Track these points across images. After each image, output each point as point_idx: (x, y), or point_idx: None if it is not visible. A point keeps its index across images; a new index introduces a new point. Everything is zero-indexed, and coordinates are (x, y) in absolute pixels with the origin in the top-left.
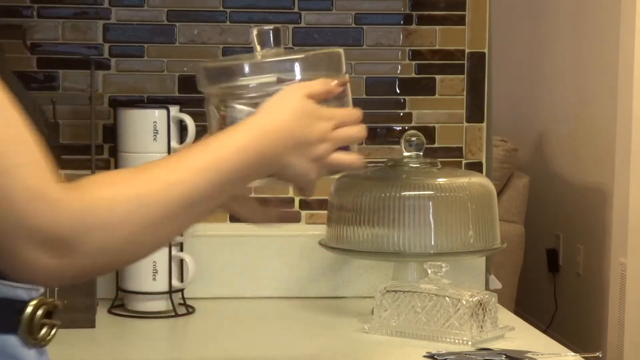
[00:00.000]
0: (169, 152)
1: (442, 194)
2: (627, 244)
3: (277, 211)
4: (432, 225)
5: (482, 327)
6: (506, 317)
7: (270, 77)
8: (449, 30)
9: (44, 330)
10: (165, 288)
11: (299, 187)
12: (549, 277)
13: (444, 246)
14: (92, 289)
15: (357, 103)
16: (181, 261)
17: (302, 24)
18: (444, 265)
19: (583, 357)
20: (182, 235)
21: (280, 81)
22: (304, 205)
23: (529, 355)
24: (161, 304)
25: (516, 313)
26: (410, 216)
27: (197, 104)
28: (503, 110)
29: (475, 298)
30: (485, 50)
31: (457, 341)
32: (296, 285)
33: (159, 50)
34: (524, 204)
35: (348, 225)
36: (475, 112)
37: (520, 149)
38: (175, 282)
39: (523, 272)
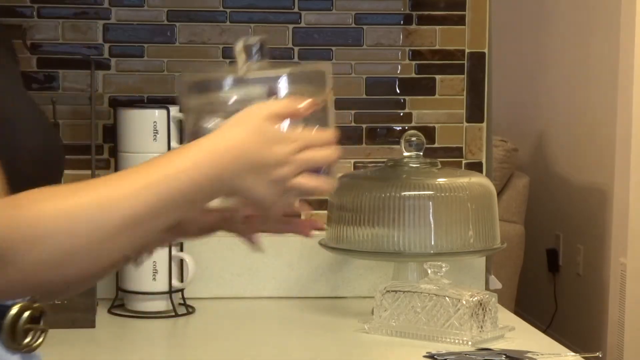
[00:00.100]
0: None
1: (442, 194)
2: (627, 244)
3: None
4: (432, 225)
5: (482, 327)
6: (506, 317)
7: (251, 92)
8: (449, 30)
9: (29, 336)
10: (165, 288)
11: (263, 210)
12: (549, 277)
13: (444, 246)
14: (92, 289)
15: (357, 103)
16: (181, 261)
17: (302, 24)
18: (444, 265)
19: (583, 357)
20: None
21: (269, 94)
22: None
23: (529, 355)
24: (161, 304)
25: (516, 313)
26: (410, 216)
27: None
28: (503, 110)
29: (475, 298)
30: (485, 50)
31: (457, 341)
32: (296, 285)
33: (159, 50)
34: (524, 204)
35: (348, 225)
36: (475, 112)
37: (520, 149)
38: (175, 282)
39: (523, 272)
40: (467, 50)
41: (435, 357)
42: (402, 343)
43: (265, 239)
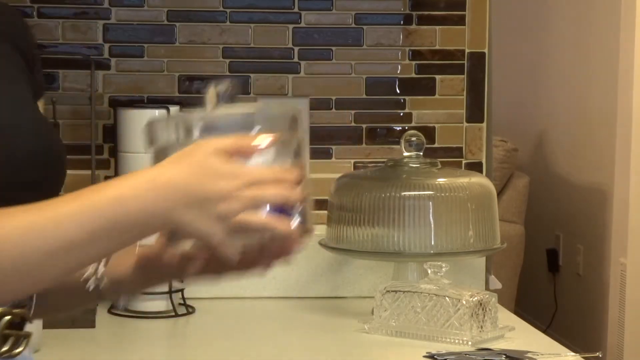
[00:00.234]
0: None
1: (442, 194)
2: (627, 244)
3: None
4: (432, 225)
5: (482, 327)
6: (506, 317)
7: (218, 134)
8: (449, 30)
9: (9, 342)
10: (165, 288)
11: (209, 247)
12: (549, 277)
13: (444, 246)
14: None
15: (357, 103)
16: None
17: (302, 24)
18: (444, 265)
19: (583, 357)
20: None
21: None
22: None
23: (529, 355)
24: (161, 304)
25: (516, 313)
26: (410, 216)
27: (197, 104)
28: (503, 110)
29: (475, 298)
30: (485, 50)
31: (457, 341)
32: (296, 285)
33: (159, 50)
34: (524, 204)
35: (348, 225)
36: (475, 112)
37: (520, 149)
38: (175, 282)
39: (523, 272)
40: (467, 50)
41: (435, 357)
42: (402, 343)
43: None
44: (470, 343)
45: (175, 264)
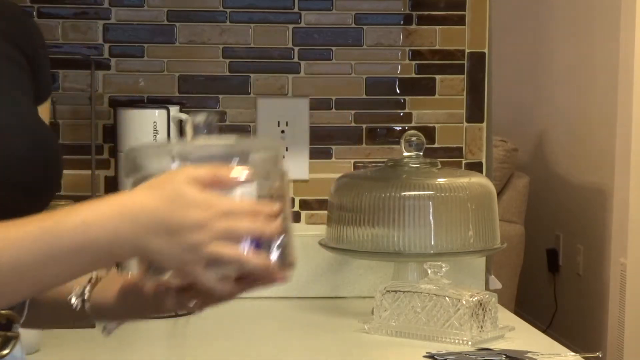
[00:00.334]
0: None
1: (442, 194)
2: (627, 244)
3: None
4: (432, 225)
5: (482, 327)
6: (506, 317)
7: (202, 164)
8: (449, 30)
9: None
10: None
11: (183, 278)
12: (549, 277)
13: (444, 246)
14: None
15: (357, 103)
16: None
17: (302, 24)
18: (444, 265)
19: (583, 357)
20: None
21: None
22: (304, 205)
23: (529, 355)
24: None
25: (516, 313)
26: (410, 216)
27: (197, 104)
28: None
29: (475, 298)
30: (485, 50)
31: (457, 341)
32: (296, 285)
33: (159, 50)
34: (524, 204)
35: (348, 225)
36: (475, 112)
37: (520, 149)
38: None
39: (523, 272)
40: (467, 50)
41: (435, 357)
42: (402, 343)
43: None
44: (470, 343)
45: (152, 295)
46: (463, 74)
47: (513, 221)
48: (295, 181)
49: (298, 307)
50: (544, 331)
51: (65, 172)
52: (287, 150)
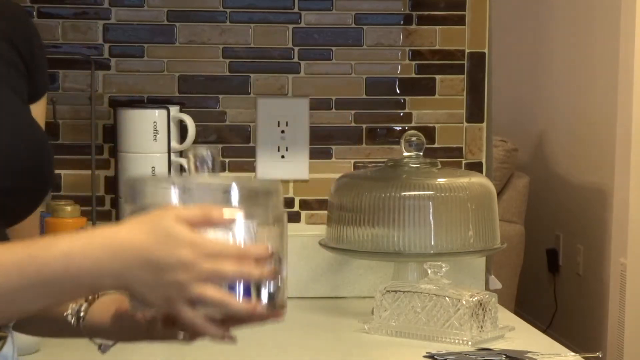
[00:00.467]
0: (169, 152)
1: (442, 194)
2: (627, 244)
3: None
4: (432, 225)
5: (482, 327)
6: (506, 317)
7: (199, 202)
8: (449, 30)
9: None
10: None
11: (166, 314)
12: (549, 277)
13: (444, 246)
14: None
15: (357, 103)
16: None
17: (302, 24)
18: (444, 265)
19: (583, 357)
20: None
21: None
22: (304, 205)
23: (529, 355)
24: None
25: (516, 313)
26: (410, 216)
27: (197, 104)
28: (503, 110)
29: (475, 298)
30: (485, 50)
31: (457, 341)
32: (296, 285)
33: (159, 50)
34: (524, 204)
35: (348, 225)
36: (475, 112)
37: (520, 149)
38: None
39: (523, 272)
40: (467, 50)
41: (435, 357)
42: (402, 343)
43: None
44: (470, 343)
45: (144, 322)
46: (463, 74)
47: (513, 221)
48: (295, 181)
49: (298, 307)
50: (544, 331)
51: (65, 172)
52: (287, 150)
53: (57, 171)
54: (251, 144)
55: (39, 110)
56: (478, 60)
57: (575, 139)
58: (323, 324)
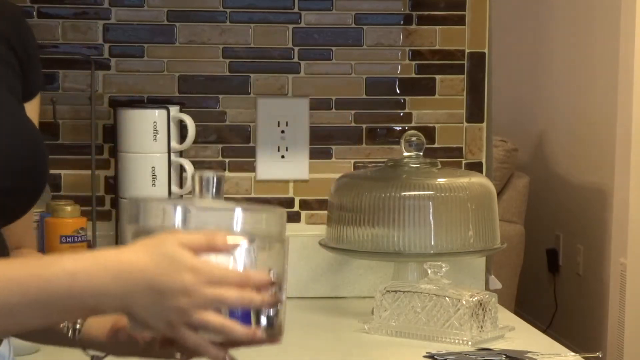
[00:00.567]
0: (169, 152)
1: (442, 194)
2: (627, 244)
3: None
4: (432, 225)
5: (482, 327)
6: (506, 317)
7: (198, 225)
8: (449, 30)
9: None
10: None
11: (167, 335)
12: (549, 277)
13: (444, 246)
14: None
15: (357, 103)
16: None
17: (302, 24)
18: (444, 265)
19: (583, 357)
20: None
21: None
22: (304, 205)
23: (529, 355)
24: None
25: (516, 313)
26: (410, 216)
27: (197, 104)
28: (503, 110)
29: (475, 298)
30: (485, 50)
31: (457, 341)
32: (296, 285)
33: (159, 50)
34: (524, 204)
35: (348, 225)
36: (475, 112)
37: (520, 149)
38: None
39: (523, 272)
40: (467, 50)
41: (435, 357)
42: (402, 343)
43: None
44: (470, 343)
45: (140, 343)
46: (463, 74)
47: (513, 221)
48: (295, 181)
49: (298, 307)
50: (544, 331)
51: (65, 172)
52: (287, 150)
53: (57, 171)
54: (251, 144)
55: (32, 109)
56: (478, 60)
57: (575, 139)
58: (323, 324)
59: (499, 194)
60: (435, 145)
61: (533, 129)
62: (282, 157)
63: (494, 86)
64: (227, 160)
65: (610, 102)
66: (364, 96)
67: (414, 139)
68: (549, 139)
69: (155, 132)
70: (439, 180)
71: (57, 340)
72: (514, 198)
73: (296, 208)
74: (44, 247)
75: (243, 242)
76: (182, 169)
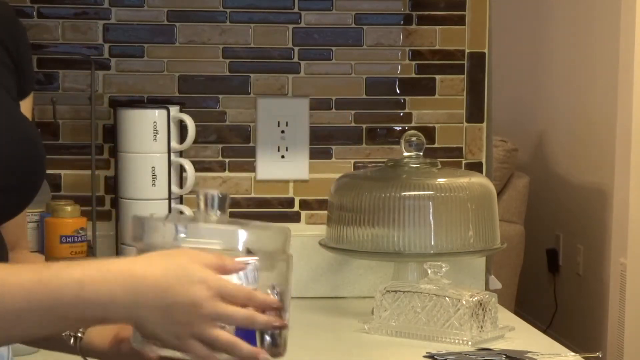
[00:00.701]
0: (169, 152)
1: (442, 194)
2: (627, 244)
3: None
4: (432, 225)
5: (482, 327)
6: (506, 317)
7: (202, 244)
8: (449, 30)
9: None
10: None
11: (172, 348)
12: (549, 277)
13: (444, 246)
14: None
15: (357, 103)
16: None
17: (302, 24)
18: (444, 265)
19: (583, 357)
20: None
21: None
22: (304, 205)
23: (529, 355)
24: None
25: (516, 313)
26: (410, 216)
27: (197, 104)
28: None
29: (475, 298)
30: (485, 50)
31: (457, 341)
32: (296, 285)
33: (159, 50)
34: (524, 204)
35: (348, 225)
36: (475, 112)
37: (520, 149)
38: None
39: (523, 272)
40: (467, 50)
41: (435, 357)
42: (402, 343)
43: None
44: (470, 343)
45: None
46: (463, 74)
47: (513, 221)
48: (295, 181)
49: (298, 307)
50: (544, 331)
51: (65, 172)
52: (287, 150)
53: (57, 171)
54: (251, 144)
55: (26, 108)
56: (478, 60)
57: (575, 139)
58: (323, 324)
59: (499, 194)
60: (435, 145)
61: (533, 129)
62: (282, 157)
63: (494, 86)
64: (227, 160)
65: (610, 102)
66: (364, 96)
67: (414, 139)
68: (549, 139)
69: (155, 132)
70: (439, 180)
71: (58, 346)
72: (514, 198)
73: (296, 208)
74: (43, 247)
75: (251, 261)
76: (182, 169)
